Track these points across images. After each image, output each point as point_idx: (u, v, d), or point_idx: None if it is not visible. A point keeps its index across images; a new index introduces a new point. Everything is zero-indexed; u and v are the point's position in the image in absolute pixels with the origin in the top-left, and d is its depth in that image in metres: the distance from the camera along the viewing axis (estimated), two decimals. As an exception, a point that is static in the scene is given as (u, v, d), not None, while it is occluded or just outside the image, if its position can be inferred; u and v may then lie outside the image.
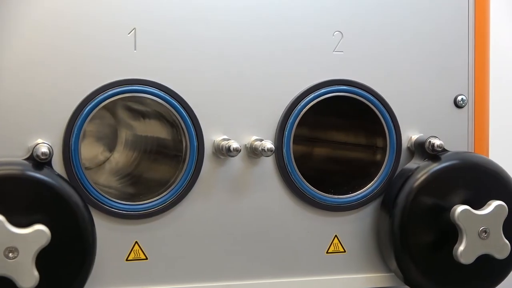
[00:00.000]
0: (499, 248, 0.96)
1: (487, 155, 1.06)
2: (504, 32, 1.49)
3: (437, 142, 0.99)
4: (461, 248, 0.95)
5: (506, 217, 0.96)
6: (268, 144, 0.94)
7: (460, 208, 0.94)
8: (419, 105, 1.03)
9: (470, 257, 0.95)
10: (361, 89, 1.00)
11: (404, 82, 1.02)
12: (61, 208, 0.87)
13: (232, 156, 0.94)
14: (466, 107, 1.04)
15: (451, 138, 1.04)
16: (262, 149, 0.94)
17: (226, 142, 0.94)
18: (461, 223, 0.94)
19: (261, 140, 0.95)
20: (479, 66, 1.05)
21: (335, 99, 1.00)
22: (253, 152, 0.96)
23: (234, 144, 0.93)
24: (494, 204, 0.95)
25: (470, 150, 1.04)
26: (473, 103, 1.05)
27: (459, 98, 1.04)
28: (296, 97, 0.98)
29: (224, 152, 0.94)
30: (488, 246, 0.96)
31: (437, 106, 1.04)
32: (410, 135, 1.03)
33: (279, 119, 0.98)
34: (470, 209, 0.94)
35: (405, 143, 1.03)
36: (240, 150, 0.93)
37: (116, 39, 0.93)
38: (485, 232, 0.95)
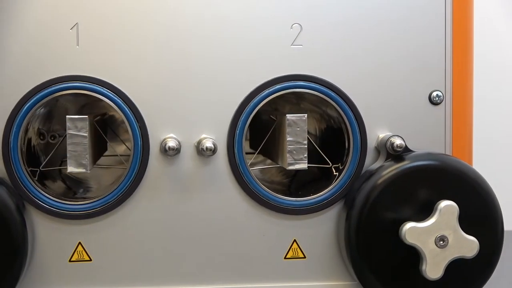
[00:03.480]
0: (465, 248, 0.88)
1: (469, 155, 0.98)
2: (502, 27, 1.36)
3: (397, 141, 0.92)
4: (424, 267, 0.87)
5: (474, 218, 0.90)
6: (207, 143, 0.89)
7: (406, 228, 0.87)
8: (390, 102, 0.95)
9: (438, 271, 0.88)
10: (321, 85, 0.94)
11: (372, 77, 0.95)
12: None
13: (170, 156, 0.90)
14: (442, 104, 0.96)
15: (427, 137, 0.96)
16: (201, 148, 0.89)
17: (165, 140, 0.90)
18: (413, 242, 0.87)
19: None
20: (457, 60, 0.96)
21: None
22: (200, 152, 0.91)
23: (170, 143, 0.89)
24: (439, 207, 0.87)
25: (447, 150, 0.96)
26: (450, 100, 0.96)
27: (434, 94, 0.96)
28: (249, 93, 0.93)
29: (163, 152, 0.90)
30: (452, 252, 0.88)
31: (410, 103, 0.96)
32: (379, 134, 0.95)
33: (231, 116, 0.93)
34: (416, 225, 0.87)
35: (374, 143, 0.96)
36: (176, 149, 0.89)
37: (57, 34, 0.91)
38: (442, 240, 0.87)
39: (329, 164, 1.00)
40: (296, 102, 1.06)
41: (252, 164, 1.03)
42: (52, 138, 1.10)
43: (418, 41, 0.95)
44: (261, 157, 1.12)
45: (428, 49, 0.95)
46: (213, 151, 0.89)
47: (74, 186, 1.05)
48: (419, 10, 0.95)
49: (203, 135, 0.92)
